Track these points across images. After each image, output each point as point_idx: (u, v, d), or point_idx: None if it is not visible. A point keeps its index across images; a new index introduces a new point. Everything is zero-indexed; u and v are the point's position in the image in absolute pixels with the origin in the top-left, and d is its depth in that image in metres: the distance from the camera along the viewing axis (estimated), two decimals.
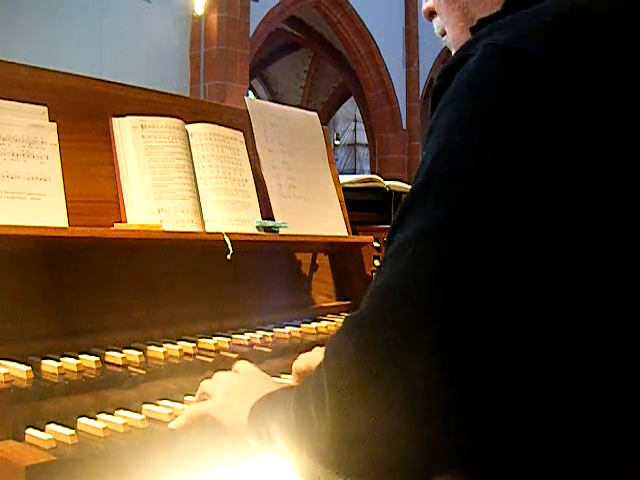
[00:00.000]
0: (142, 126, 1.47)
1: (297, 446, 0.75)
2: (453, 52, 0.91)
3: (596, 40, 0.70)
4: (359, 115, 15.38)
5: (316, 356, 1.19)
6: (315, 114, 1.97)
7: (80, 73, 1.44)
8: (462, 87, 0.70)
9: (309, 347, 1.35)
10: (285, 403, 0.80)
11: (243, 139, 1.66)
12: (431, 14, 0.96)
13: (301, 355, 1.22)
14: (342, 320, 1.64)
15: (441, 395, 0.65)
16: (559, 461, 0.69)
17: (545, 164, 0.65)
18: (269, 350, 1.37)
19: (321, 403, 0.70)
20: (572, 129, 0.65)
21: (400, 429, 0.65)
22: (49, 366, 1.09)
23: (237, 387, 1.02)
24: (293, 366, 1.21)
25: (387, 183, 2.67)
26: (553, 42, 0.68)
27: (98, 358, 1.14)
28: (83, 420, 1.03)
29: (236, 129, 1.65)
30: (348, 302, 1.84)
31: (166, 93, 1.62)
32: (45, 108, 1.31)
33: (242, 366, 1.11)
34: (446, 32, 0.93)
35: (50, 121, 1.31)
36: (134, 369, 1.15)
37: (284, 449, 0.80)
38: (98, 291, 1.30)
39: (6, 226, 1.12)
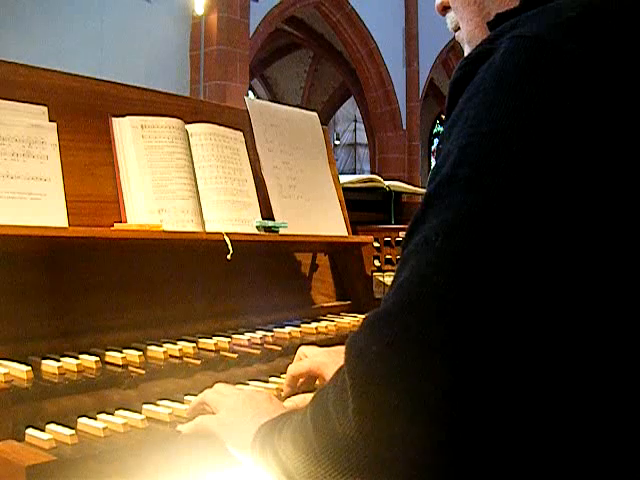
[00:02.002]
0: (142, 126, 1.47)
1: (314, 455, 0.72)
2: (466, 47, 0.91)
3: (624, 33, 0.70)
4: (359, 115, 15.39)
5: (310, 360, 1.20)
6: (315, 114, 1.97)
7: (80, 73, 1.44)
8: (489, 79, 0.70)
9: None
10: (299, 415, 0.79)
11: (243, 139, 1.66)
12: (444, 9, 0.96)
13: (296, 361, 1.23)
14: (343, 319, 1.66)
15: (466, 398, 0.63)
16: (565, 467, 0.69)
17: (574, 157, 0.65)
18: (269, 350, 1.37)
19: (343, 407, 0.67)
20: (602, 122, 0.65)
21: (425, 436, 0.64)
22: (49, 366, 1.09)
23: (242, 406, 1.01)
24: (288, 371, 1.22)
25: (387, 183, 2.67)
26: (582, 35, 0.68)
27: (98, 358, 1.14)
28: (83, 420, 1.03)
29: (236, 129, 1.65)
30: (348, 302, 1.84)
31: (166, 93, 1.62)
32: (45, 108, 1.31)
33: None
34: (460, 27, 0.93)
35: (50, 121, 1.31)
36: (134, 369, 1.15)
37: (294, 466, 0.77)
38: (98, 291, 1.30)
39: (6, 226, 1.12)
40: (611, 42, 0.69)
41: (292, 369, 1.23)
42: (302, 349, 1.27)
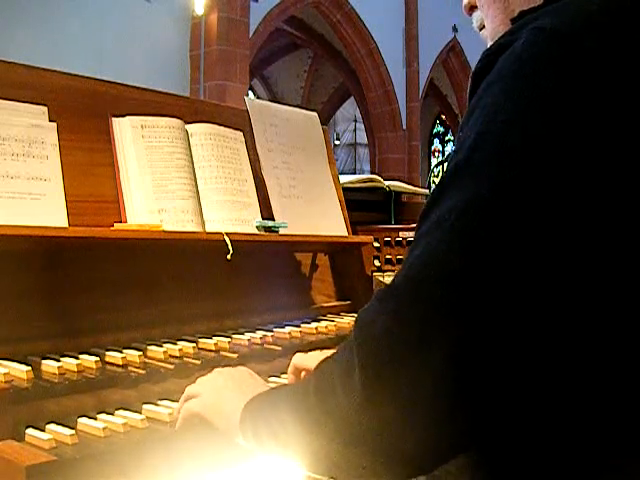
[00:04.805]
0: (142, 126, 1.47)
1: (317, 429, 0.73)
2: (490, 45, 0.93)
3: (636, 33, 0.71)
4: (359, 115, 15.38)
5: (315, 356, 1.19)
6: (315, 114, 1.97)
7: (80, 73, 1.44)
8: (508, 69, 0.71)
9: (309, 347, 1.35)
10: (295, 392, 0.79)
11: (243, 139, 1.66)
12: (471, 8, 0.98)
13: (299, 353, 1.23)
14: (343, 319, 1.65)
15: (461, 383, 0.65)
16: (565, 456, 0.70)
17: (589, 146, 0.66)
18: (269, 350, 1.37)
19: (350, 380, 0.68)
20: (615, 112, 0.66)
21: (427, 415, 0.65)
22: (49, 366, 1.09)
23: (225, 384, 1.01)
24: (293, 360, 1.22)
25: (387, 183, 2.68)
26: (599, 29, 0.70)
27: (98, 358, 1.14)
28: (83, 420, 1.03)
29: (236, 129, 1.65)
30: (348, 302, 1.84)
31: (166, 93, 1.62)
32: (45, 108, 1.31)
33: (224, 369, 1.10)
34: (485, 26, 0.95)
35: (50, 121, 1.31)
36: (134, 369, 1.15)
37: (294, 442, 0.77)
38: (98, 291, 1.30)
39: (6, 226, 1.12)
40: (629, 36, 0.70)
41: (297, 360, 1.22)
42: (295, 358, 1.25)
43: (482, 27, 0.96)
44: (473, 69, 0.79)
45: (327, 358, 0.76)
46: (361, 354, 0.68)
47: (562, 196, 0.65)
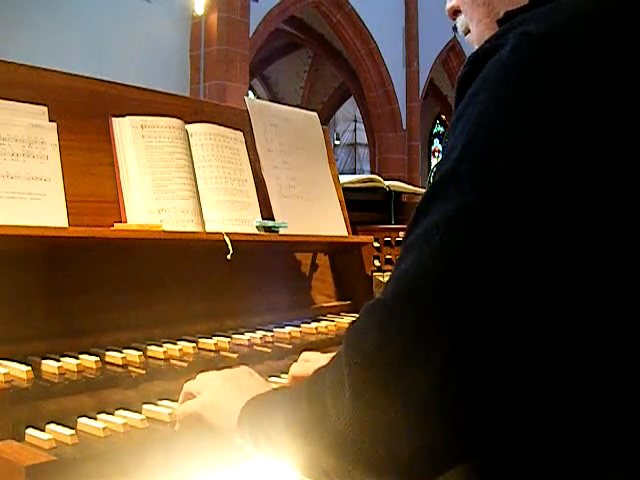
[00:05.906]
0: (142, 126, 1.47)
1: (308, 441, 0.73)
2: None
3: (633, 34, 0.70)
4: (359, 115, 15.38)
5: (313, 365, 1.19)
6: (315, 114, 1.97)
7: (80, 73, 1.44)
8: (494, 75, 0.70)
9: (309, 347, 1.35)
10: (289, 399, 0.79)
11: (243, 139, 1.66)
12: (455, 13, 0.96)
13: (299, 362, 1.23)
14: (343, 319, 1.65)
15: (457, 390, 0.64)
16: (564, 458, 0.70)
17: (579, 153, 0.65)
18: (269, 350, 1.37)
19: (340, 393, 0.68)
20: (605, 119, 0.66)
21: (421, 422, 0.65)
22: (49, 366, 1.09)
23: (223, 384, 1.00)
24: (290, 370, 1.22)
25: (387, 183, 2.68)
26: (589, 33, 0.69)
27: (98, 358, 1.14)
28: (83, 420, 1.03)
29: (236, 129, 1.65)
30: (348, 302, 1.84)
31: (166, 93, 1.62)
32: (45, 108, 1.31)
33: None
34: (470, 30, 0.93)
35: (50, 121, 1.31)
36: (134, 369, 1.15)
37: (287, 448, 0.77)
38: (98, 291, 1.30)
39: (6, 226, 1.12)
40: (620, 41, 0.69)
41: (294, 370, 1.23)
42: (304, 354, 1.26)
43: (467, 31, 0.94)
44: (459, 74, 0.78)
45: (320, 369, 0.76)
46: (351, 371, 0.67)
47: (549, 206, 0.65)
